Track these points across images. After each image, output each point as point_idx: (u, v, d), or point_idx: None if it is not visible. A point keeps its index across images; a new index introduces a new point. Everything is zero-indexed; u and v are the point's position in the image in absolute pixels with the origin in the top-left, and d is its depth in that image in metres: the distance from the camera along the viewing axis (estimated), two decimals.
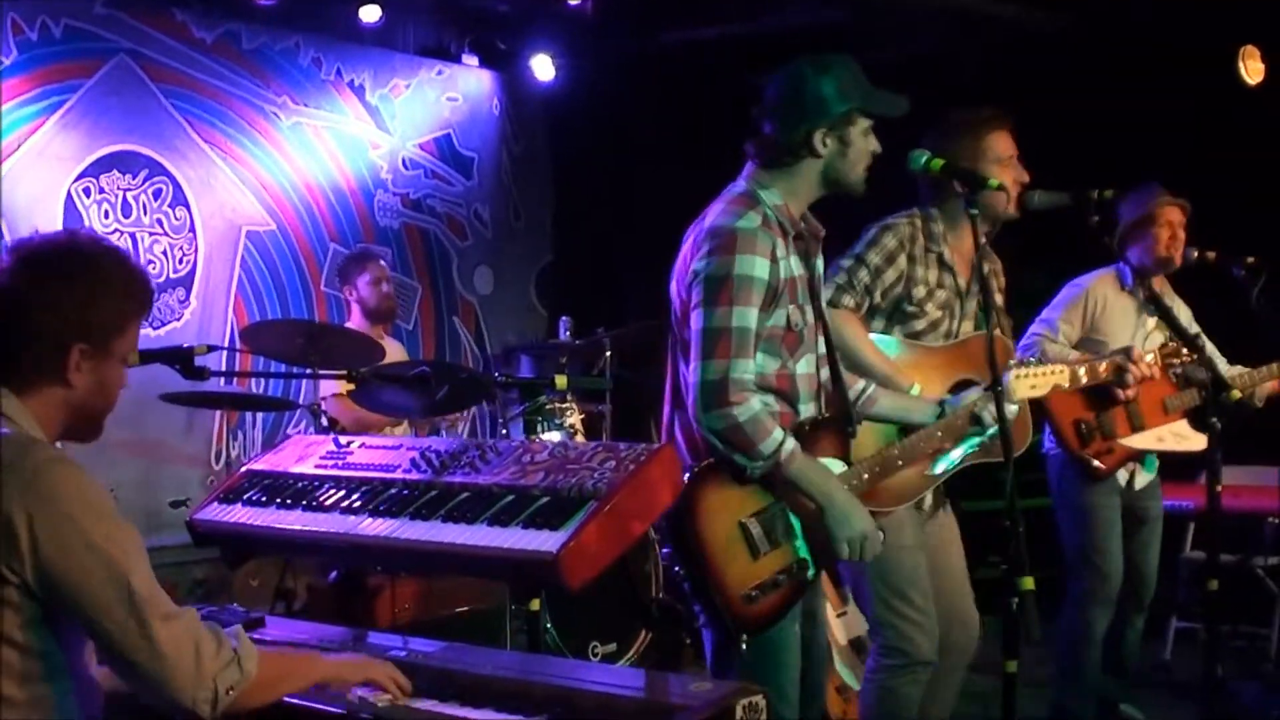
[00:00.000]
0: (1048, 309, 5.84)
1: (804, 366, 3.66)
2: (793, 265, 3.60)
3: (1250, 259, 5.55)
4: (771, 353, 3.58)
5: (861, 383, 3.98)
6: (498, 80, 9.39)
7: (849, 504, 3.55)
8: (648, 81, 8.98)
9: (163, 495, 7.00)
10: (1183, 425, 5.77)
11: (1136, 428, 5.70)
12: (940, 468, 4.27)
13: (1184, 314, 5.86)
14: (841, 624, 6.23)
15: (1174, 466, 6.08)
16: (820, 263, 3.83)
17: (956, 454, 4.22)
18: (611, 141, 9.40)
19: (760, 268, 3.47)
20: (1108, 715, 6.14)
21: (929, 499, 4.48)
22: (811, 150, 3.61)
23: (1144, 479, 5.88)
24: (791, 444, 3.46)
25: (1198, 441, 5.69)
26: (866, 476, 3.79)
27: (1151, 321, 5.78)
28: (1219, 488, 5.40)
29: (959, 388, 4.35)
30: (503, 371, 5.59)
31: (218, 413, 7.53)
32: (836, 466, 3.72)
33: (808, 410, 3.68)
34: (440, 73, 9.03)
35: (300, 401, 7.00)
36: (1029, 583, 3.31)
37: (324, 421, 6.17)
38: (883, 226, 4.44)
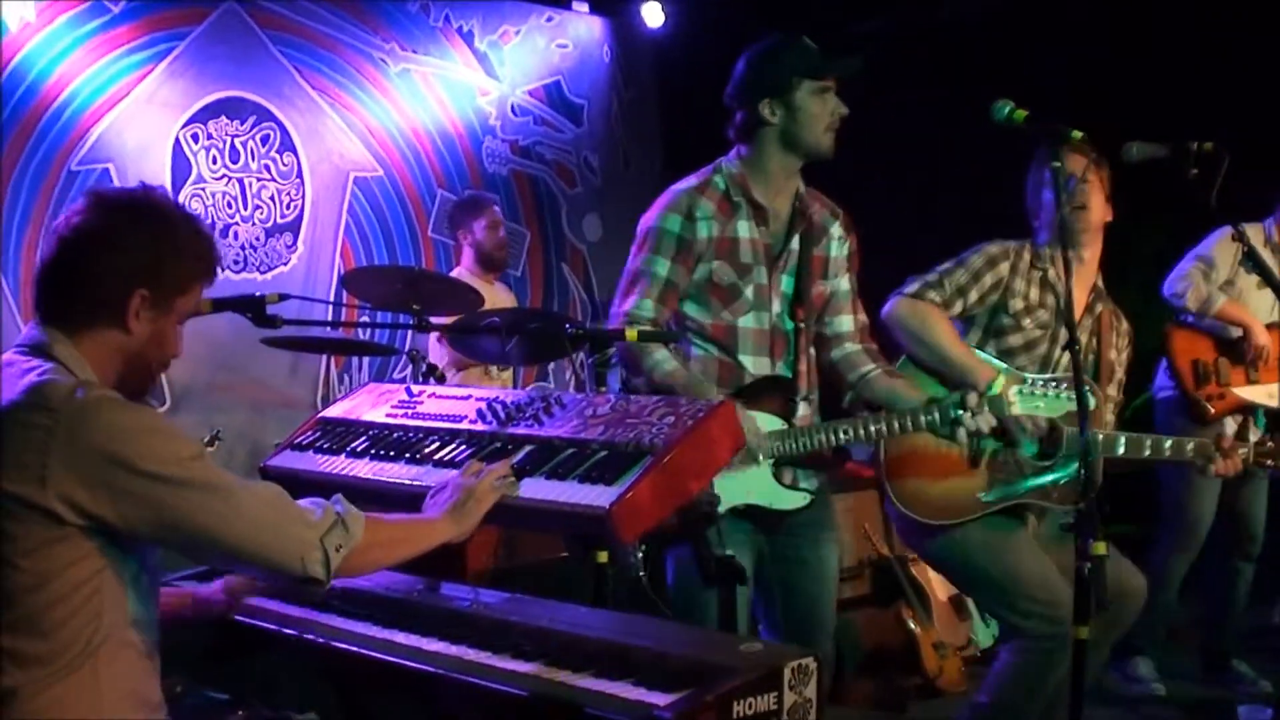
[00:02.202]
0: (1203, 245, 5.79)
1: (750, 322, 3.96)
2: (739, 228, 3.95)
3: None
4: (703, 303, 3.95)
5: (867, 365, 4.13)
6: (608, 26, 9.34)
7: None
8: (757, 28, 8.86)
9: (268, 438, 7.05)
10: None
11: (1251, 380, 5.67)
12: (992, 496, 4.29)
13: None
14: (941, 580, 6.18)
15: None
16: (831, 242, 4.12)
17: (1007, 487, 4.29)
18: (721, 90, 9.30)
19: (671, 222, 3.92)
20: (1219, 669, 6.09)
21: (1031, 521, 4.43)
22: (764, 121, 3.93)
23: (1255, 434, 5.79)
24: (670, 365, 3.82)
25: None
26: (802, 442, 3.86)
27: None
28: None
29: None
30: (574, 323, 5.57)
31: (323, 357, 7.61)
32: (774, 423, 3.88)
33: (753, 364, 3.96)
34: (550, 19, 9.01)
35: (403, 347, 7.05)
36: (1101, 548, 3.24)
37: (424, 368, 6.19)
38: (991, 242, 4.51)
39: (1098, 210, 4.47)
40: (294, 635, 3.02)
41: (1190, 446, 4.41)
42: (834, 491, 6.33)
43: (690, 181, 4.00)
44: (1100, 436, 4.28)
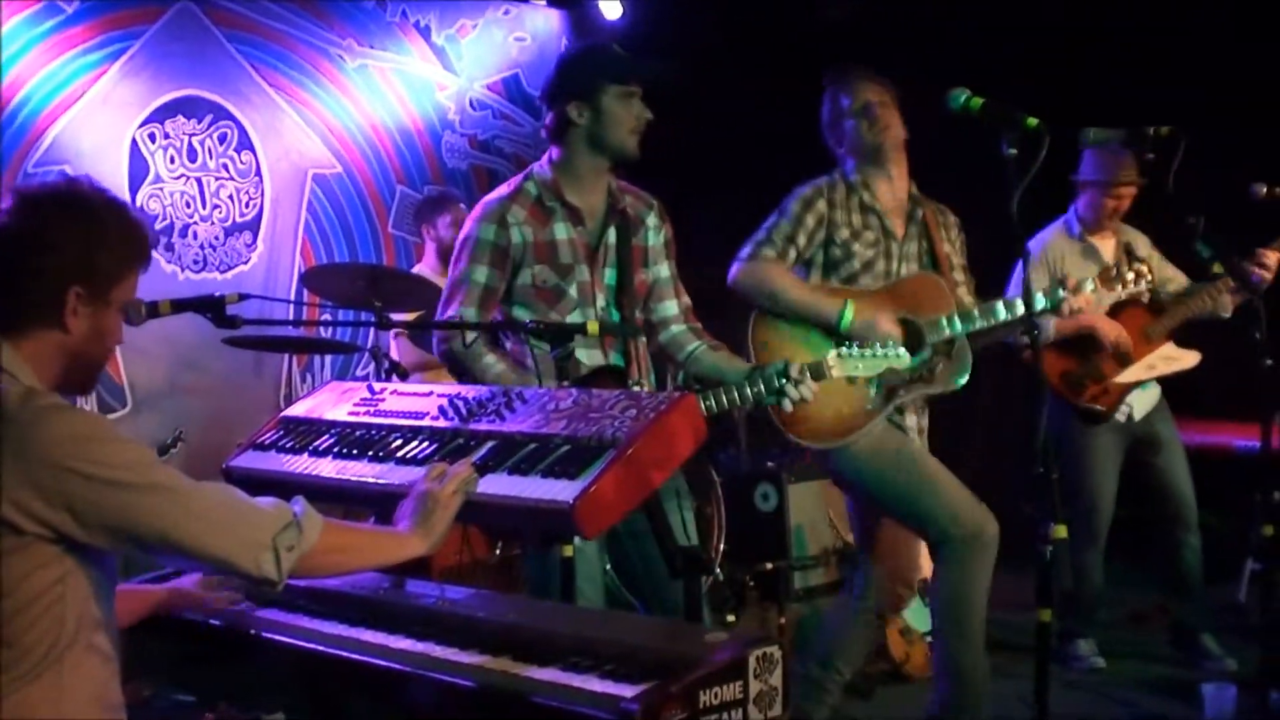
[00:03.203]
0: (1014, 280, 5.96)
1: (578, 318, 4.09)
2: (556, 231, 4.13)
3: None
4: (530, 306, 4.12)
5: (693, 344, 4.34)
6: (565, 19, 9.31)
7: None
8: (715, 20, 8.89)
9: (232, 437, 6.90)
10: (1169, 348, 5.97)
11: (1124, 364, 5.85)
12: (878, 401, 4.57)
13: (1142, 243, 6.13)
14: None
15: (1244, 408, 6.04)
16: (648, 232, 4.32)
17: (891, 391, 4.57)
18: (680, 81, 9.31)
19: (485, 230, 4.11)
20: (1188, 644, 6.16)
21: (911, 421, 4.74)
22: (572, 123, 4.11)
23: (1143, 407, 6.01)
24: (499, 368, 3.98)
25: (1189, 358, 6.01)
26: None
27: (1107, 260, 5.92)
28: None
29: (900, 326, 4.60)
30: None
31: (286, 356, 7.58)
32: None
33: (587, 356, 4.08)
34: (507, 12, 8.98)
35: (365, 344, 7.03)
36: (1062, 531, 3.26)
37: (386, 364, 6.19)
38: (804, 185, 4.77)
39: (897, 128, 4.72)
40: (261, 636, 3.01)
41: (1040, 298, 4.66)
42: (800, 480, 6.43)
43: (502, 191, 4.19)
44: (958, 315, 4.63)
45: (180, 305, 3.24)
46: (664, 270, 4.40)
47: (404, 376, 6.18)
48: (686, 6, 8.95)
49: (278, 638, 2.98)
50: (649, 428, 2.79)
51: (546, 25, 9.24)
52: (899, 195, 4.79)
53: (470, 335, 3.97)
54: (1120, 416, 6.03)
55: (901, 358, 4.20)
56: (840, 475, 4.82)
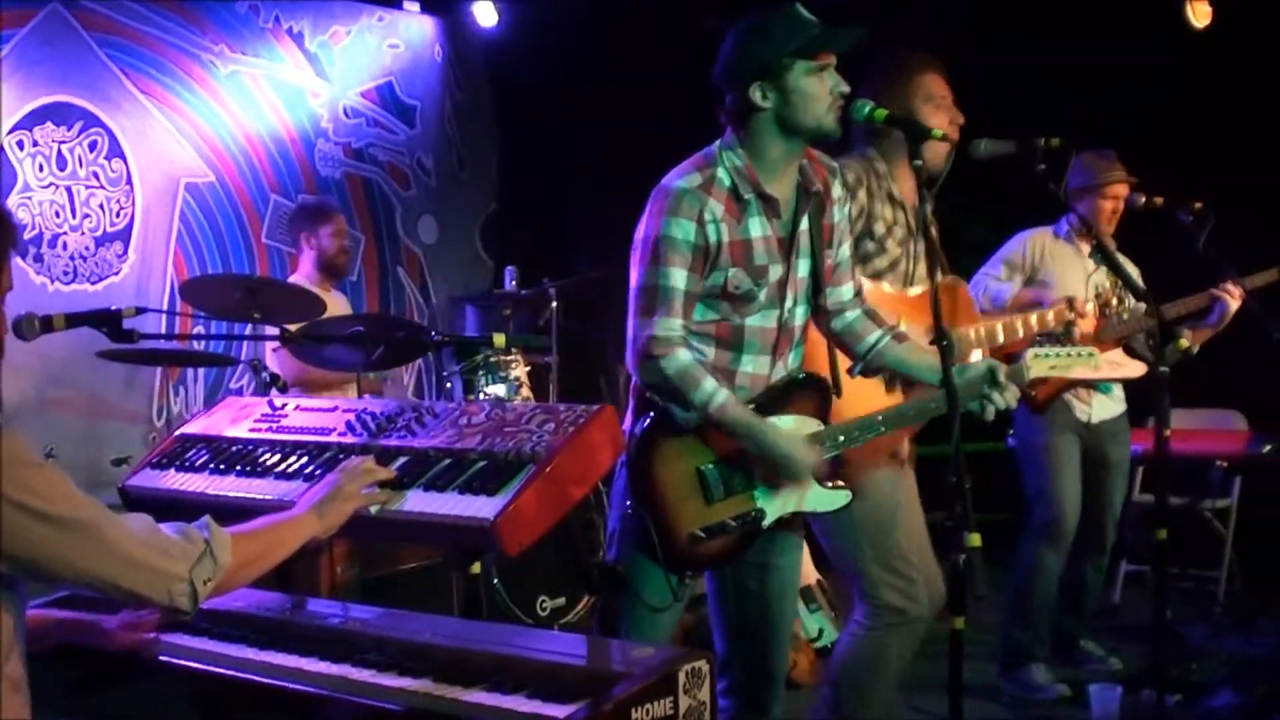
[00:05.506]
0: (991, 259, 5.96)
1: (760, 320, 3.64)
2: (750, 227, 3.59)
3: (1197, 204, 5.58)
4: (712, 306, 3.61)
5: (873, 334, 3.88)
6: (440, 26, 9.27)
7: (786, 448, 3.54)
8: (591, 27, 8.88)
9: (104, 453, 6.87)
10: (1117, 353, 5.87)
11: None
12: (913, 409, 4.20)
13: (1132, 269, 5.98)
14: None
15: (1141, 415, 6.16)
16: (834, 207, 3.80)
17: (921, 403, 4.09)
18: (556, 88, 9.31)
19: (683, 229, 3.51)
20: (1067, 649, 6.23)
21: (905, 450, 4.35)
22: (756, 106, 3.56)
23: (1103, 412, 5.98)
24: (722, 396, 3.48)
25: (1134, 369, 5.84)
26: (842, 439, 3.69)
27: (1094, 266, 5.88)
28: (1167, 432, 5.51)
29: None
30: (440, 330, 5.40)
31: (158, 369, 7.42)
32: (811, 425, 3.68)
33: (759, 362, 3.67)
34: (381, 19, 8.90)
35: (241, 357, 6.91)
36: (976, 539, 3.26)
37: (265, 377, 6.07)
38: (843, 165, 4.21)
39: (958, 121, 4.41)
40: (165, 660, 2.93)
41: (1050, 316, 4.67)
42: None
43: (692, 178, 3.59)
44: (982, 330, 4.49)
45: (75, 319, 3.17)
46: (845, 250, 3.87)
47: (284, 389, 6.07)
48: (561, 14, 8.93)
49: (183, 662, 2.90)
50: (569, 442, 2.76)
51: (420, 32, 9.18)
52: (911, 187, 4.36)
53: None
54: (1080, 415, 5.96)
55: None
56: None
